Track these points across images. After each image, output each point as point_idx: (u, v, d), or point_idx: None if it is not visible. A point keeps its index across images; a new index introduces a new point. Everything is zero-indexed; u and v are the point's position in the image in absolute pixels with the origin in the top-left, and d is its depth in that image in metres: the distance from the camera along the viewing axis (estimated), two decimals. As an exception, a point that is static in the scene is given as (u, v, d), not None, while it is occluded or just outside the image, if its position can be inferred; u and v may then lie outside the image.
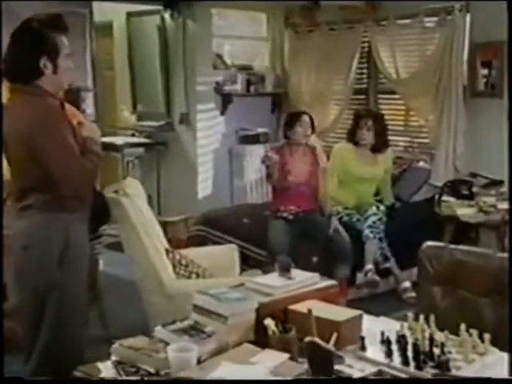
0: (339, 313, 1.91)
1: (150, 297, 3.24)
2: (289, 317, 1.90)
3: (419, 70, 5.18)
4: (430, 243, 2.30)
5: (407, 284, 4.48)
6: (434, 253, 2.24)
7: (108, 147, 5.01)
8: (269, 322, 1.79)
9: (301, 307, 1.89)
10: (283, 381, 1.64)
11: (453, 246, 2.27)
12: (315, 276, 2.10)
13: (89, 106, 5.38)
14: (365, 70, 5.78)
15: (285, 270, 2.08)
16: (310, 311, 1.74)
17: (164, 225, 4.52)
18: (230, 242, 4.30)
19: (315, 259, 4.11)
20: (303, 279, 2.06)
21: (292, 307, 1.92)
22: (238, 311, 1.88)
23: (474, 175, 4.80)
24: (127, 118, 6.27)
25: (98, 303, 3.72)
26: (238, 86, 5.84)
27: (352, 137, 4.71)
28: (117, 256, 4.07)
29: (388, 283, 4.54)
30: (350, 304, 2.50)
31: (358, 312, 1.94)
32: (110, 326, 3.72)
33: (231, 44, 6.02)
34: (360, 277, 4.31)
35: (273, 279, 2.06)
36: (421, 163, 5.23)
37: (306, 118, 4.34)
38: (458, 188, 4.70)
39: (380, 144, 4.68)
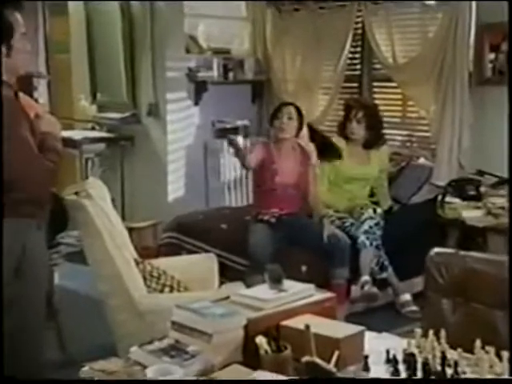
0: (338, 328, 1.92)
1: (117, 314, 3.23)
2: (282, 334, 1.91)
3: (419, 54, 5.23)
4: (438, 250, 2.33)
5: (407, 297, 4.52)
6: (444, 260, 2.27)
7: (64, 143, 4.96)
8: (260, 340, 1.80)
9: (296, 323, 1.91)
10: (283, 381, 1.68)
11: (464, 253, 2.30)
12: (310, 287, 2.12)
13: (41, 94, 5.35)
14: (358, 55, 5.81)
15: (276, 281, 2.09)
16: (307, 327, 1.75)
17: (129, 232, 4.51)
18: (206, 250, 4.31)
19: (304, 268, 4.13)
20: (297, 291, 2.07)
21: (286, 323, 1.93)
22: (223, 328, 1.88)
23: (481, 173, 4.86)
24: (86, 109, 6.22)
25: (54, 322, 3.70)
26: (214, 73, 5.83)
27: (342, 131, 4.75)
28: (76, 268, 4.05)
29: (385, 296, 4.57)
30: (345, 320, 2.52)
31: (359, 328, 1.96)
32: (69, 347, 3.70)
33: (206, 25, 6.00)
34: (355, 290, 4.34)
35: (263, 291, 2.07)
36: (421, 160, 5.27)
37: (291, 109, 4.36)
38: (464, 188, 4.76)
39: (373, 139, 4.72)
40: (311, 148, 4.48)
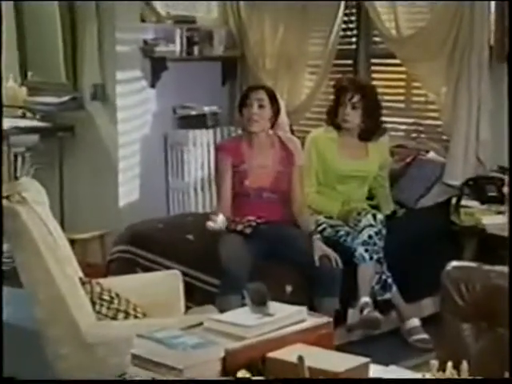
0: (338, 360, 1.95)
1: (58, 347, 3.23)
2: (269, 367, 1.92)
3: (428, 24, 5.27)
4: (456, 264, 2.36)
5: (416, 322, 4.56)
6: (463, 276, 2.30)
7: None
8: (243, 375, 1.81)
9: (285, 354, 1.92)
10: (283, 380, 1.73)
11: (489, 267, 2.34)
12: (302, 311, 2.14)
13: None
14: (353, 25, 5.85)
15: (260, 303, 2.11)
16: (300, 359, 1.77)
17: (71, 244, 4.50)
18: (168, 267, 4.32)
19: (289, 289, 4.15)
20: (286, 315, 2.09)
21: (273, 354, 1.95)
22: (197, 361, 1.89)
23: (503, 170, 4.90)
24: (14, 92, 6.19)
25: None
26: (176, 47, 5.83)
27: (332, 118, 4.78)
28: (7, 291, 4.02)
29: (389, 321, 4.61)
30: (339, 350, 2.54)
31: (363, 359, 1.98)
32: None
33: (166, -14, 6.04)
34: (352, 314, 4.38)
35: (244, 316, 2.09)
36: (430, 154, 5.32)
37: (262, 95, 4.37)
38: (483, 188, 4.82)
39: (371, 128, 4.76)
40: (295, 143, 4.51)
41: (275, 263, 4.22)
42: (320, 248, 4.24)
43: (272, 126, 4.42)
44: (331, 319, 2.17)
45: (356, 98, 4.67)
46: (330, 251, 4.27)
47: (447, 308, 2.35)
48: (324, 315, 3.84)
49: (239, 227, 4.26)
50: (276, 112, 4.41)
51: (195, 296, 4.11)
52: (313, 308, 4.00)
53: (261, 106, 4.34)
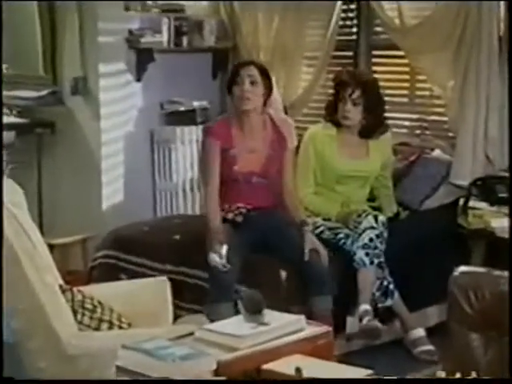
0: (339, 372, 1.96)
1: (37, 359, 3.21)
2: (264, 380, 1.93)
3: (434, 13, 5.27)
4: (464, 269, 2.37)
5: (420, 332, 4.57)
6: (472, 282, 2.31)
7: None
8: (237, 389, 1.83)
9: (282, 365, 1.94)
10: (284, 380, 1.76)
11: (499, 273, 2.35)
12: (300, 319, 2.15)
13: None
14: (353, 13, 5.86)
15: (254, 312, 2.12)
16: (298, 370, 1.78)
17: (50, 250, 4.50)
18: (154, 268, 4.38)
19: (283, 274, 4.19)
20: (282, 324, 2.11)
21: (269, 366, 1.96)
22: (187, 373, 1.91)
23: (514, 169, 4.94)
24: (-11, 86, 6.19)
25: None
26: (163, 37, 5.83)
27: (331, 115, 4.78)
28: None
29: (391, 331, 4.62)
30: (339, 361, 2.54)
31: (365, 371, 1.99)
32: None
33: (151, -27, 6.04)
34: (352, 322, 4.38)
35: (237, 325, 2.10)
36: (436, 152, 5.34)
37: (254, 70, 4.37)
38: (492, 188, 4.82)
39: (373, 125, 4.76)
40: (288, 126, 4.51)
41: (265, 253, 4.24)
42: (310, 241, 4.27)
43: (265, 104, 4.42)
44: (330, 328, 2.18)
45: (357, 94, 4.66)
46: (320, 245, 4.29)
47: (454, 316, 2.36)
48: (319, 315, 3.98)
49: (229, 216, 4.30)
50: (269, 88, 4.41)
51: (186, 294, 4.18)
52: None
53: (253, 83, 4.33)
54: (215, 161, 4.33)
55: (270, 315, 2.12)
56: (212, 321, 3.06)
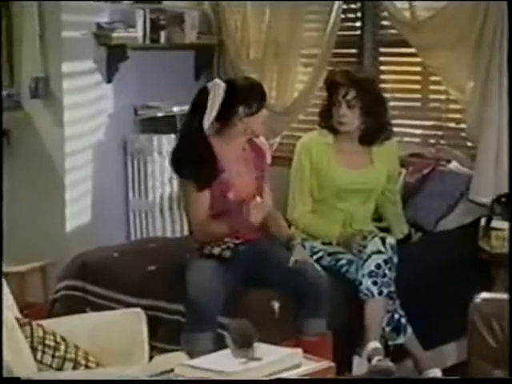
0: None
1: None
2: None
3: (449, 5, 5.31)
4: (486, 295, 2.35)
5: (437, 373, 4.55)
6: (495, 311, 2.29)
7: None
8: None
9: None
10: (284, 380, 1.82)
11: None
12: (296, 354, 2.16)
13: None
14: (357, 5, 5.92)
15: (243, 345, 2.13)
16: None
17: (5, 278, 4.51)
18: (126, 304, 4.36)
19: (276, 305, 4.20)
20: (276, 359, 2.11)
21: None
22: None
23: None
24: None
25: None
26: (138, 32, 5.86)
27: (327, 121, 4.81)
28: None
29: (403, 371, 4.59)
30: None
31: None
32: None
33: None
34: (359, 362, 4.36)
35: (224, 361, 2.10)
36: (453, 165, 5.38)
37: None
38: (519, 207, 4.86)
39: (374, 130, 4.77)
40: (261, 139, 4.58)
41: (256, 288, 4.27)
42: (299, 252, 4.33)
43: None
44: (332, 364, 2.19)
45: (351, 95, 4.66)
46: (309, 258, 4.38)
47: (476, 350, 2.34)
48: (308, 340, 3.98)
49: (216, 250, 4.30)
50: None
51: (165, 333, 4.21)
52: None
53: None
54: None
55: (262, 349, 2.11)
56: (189, 353, 3.06)
